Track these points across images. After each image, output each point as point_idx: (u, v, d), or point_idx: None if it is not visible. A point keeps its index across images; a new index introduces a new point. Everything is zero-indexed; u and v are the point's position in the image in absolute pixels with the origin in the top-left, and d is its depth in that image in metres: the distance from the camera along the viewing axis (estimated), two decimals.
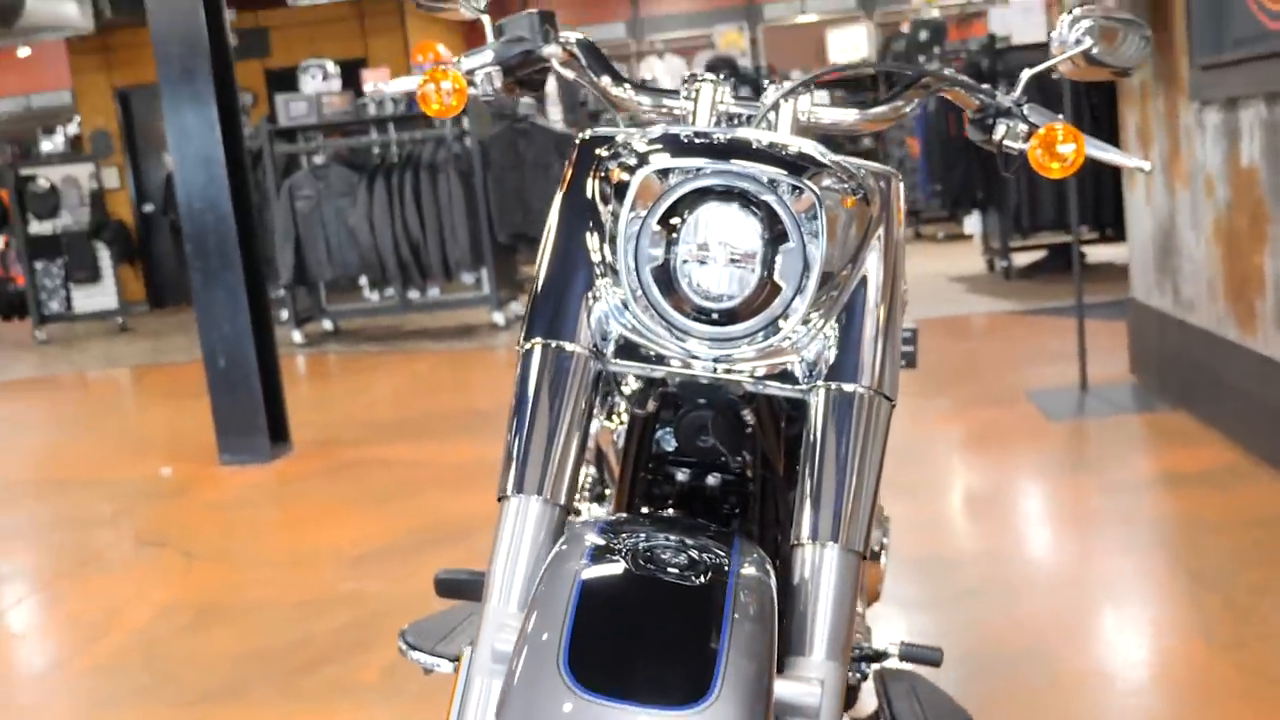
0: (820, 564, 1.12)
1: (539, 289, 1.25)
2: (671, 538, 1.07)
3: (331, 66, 7.77)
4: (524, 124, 7.39)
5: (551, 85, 11.80)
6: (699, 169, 1.14)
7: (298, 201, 7.38)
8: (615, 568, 1.02)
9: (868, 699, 1.91)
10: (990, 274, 8.00)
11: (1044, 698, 2.13)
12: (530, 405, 1.19)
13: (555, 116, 11.58)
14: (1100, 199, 7.09)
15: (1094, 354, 4.47)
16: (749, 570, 1.05)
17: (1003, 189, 7.36)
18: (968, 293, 7.29)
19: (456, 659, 1.65)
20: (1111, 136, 6.83)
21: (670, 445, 1.48)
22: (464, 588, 1.65)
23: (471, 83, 1.42)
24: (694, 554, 1.05)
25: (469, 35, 11.34)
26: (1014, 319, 6.25)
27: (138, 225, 11.35)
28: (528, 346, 1.21)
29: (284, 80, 10.34)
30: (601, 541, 1.06)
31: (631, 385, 1.63)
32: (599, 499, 1.85)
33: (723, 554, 1.06)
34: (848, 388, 1.18)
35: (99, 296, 9.87)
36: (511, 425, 1.19)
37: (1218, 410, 3.55)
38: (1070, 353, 4.56)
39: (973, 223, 8.19)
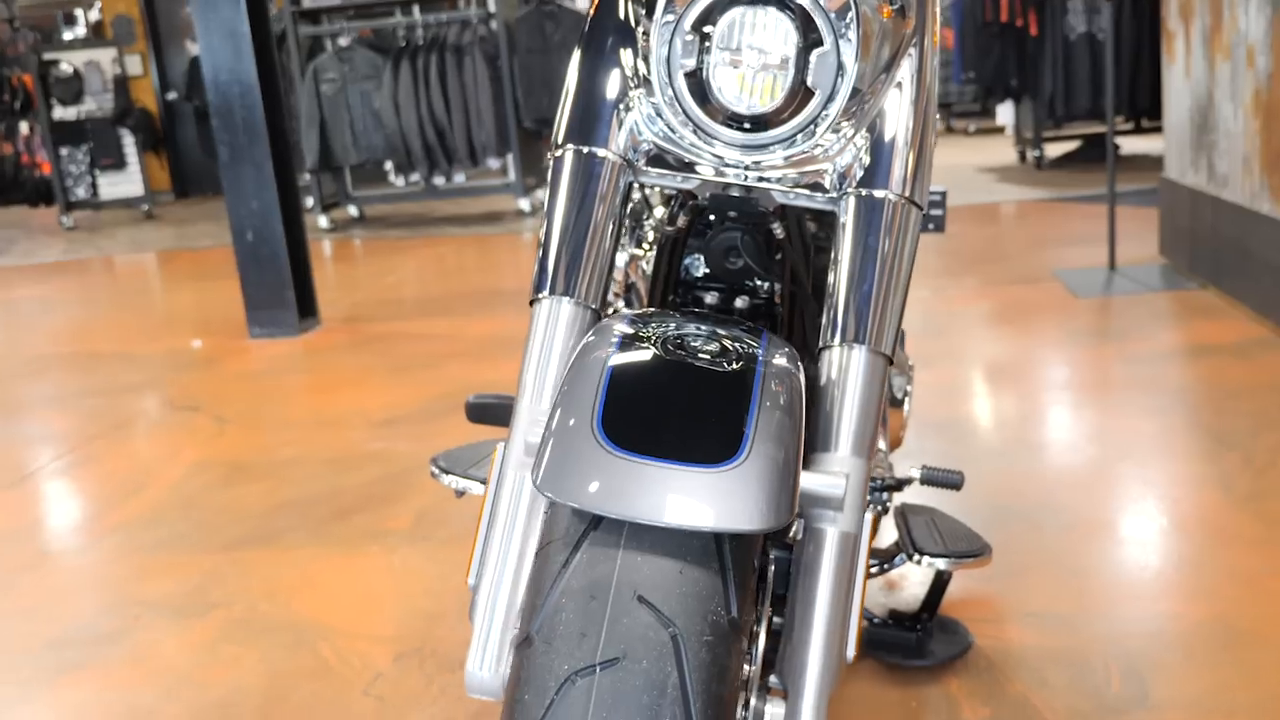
0: (848, 365, 1.13)
1: (569, 97, 1.24)
2: (703, 327, 1.08)
3: None
4: (551, 6, 7.27)
5: None
6: None
7: (322, 85, 7.33)
8: (645, 353, 1.02)
9: (888, 533, 1.96)
10: (1022, 165, 7.91)
11: (1061, 542, 2.17)
12: (562, 209, 1.19)
13: (580, 3, 11.40)
14: (1136, 87, 6.96)
15: (1124, 238, 4.45)
16: (779, 361, 1.05)
17: (1037, 76, 7.23)
18: (998, 182, 7.21)
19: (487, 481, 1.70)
20: (1153, 11, 6.69)
21: (699, 271, 1.49)
22: (495, 412, 1.69)
23: None
24: (725, 343, 1.06)
25: None
26: (1044, 206, 6.19)
27: (162, 113, 11.31)
28: (559, 153, 1.21)
29: None
30: (630, 330, 1.07)
31: (659, 210, 1.64)
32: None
33: (754, 345, 1.07)
34: (878, 194, 1.17)
35: (124, 184, 9.88)
36: (543, 230, 1.20)
37: (1247, 286, 3.52)
38: (1100, 236, 4.53)
39: (1005, 112, 8.07)
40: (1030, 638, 1.84)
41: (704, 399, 0.98)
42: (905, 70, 1.21)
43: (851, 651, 1.12)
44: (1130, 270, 4.27)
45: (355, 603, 2.19)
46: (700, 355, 1.03)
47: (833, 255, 1.19)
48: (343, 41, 7.42)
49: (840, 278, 1.16)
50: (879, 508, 1.73)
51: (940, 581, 1.80)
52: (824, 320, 1.17)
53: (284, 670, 1.95)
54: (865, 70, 1.14)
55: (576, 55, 1.27)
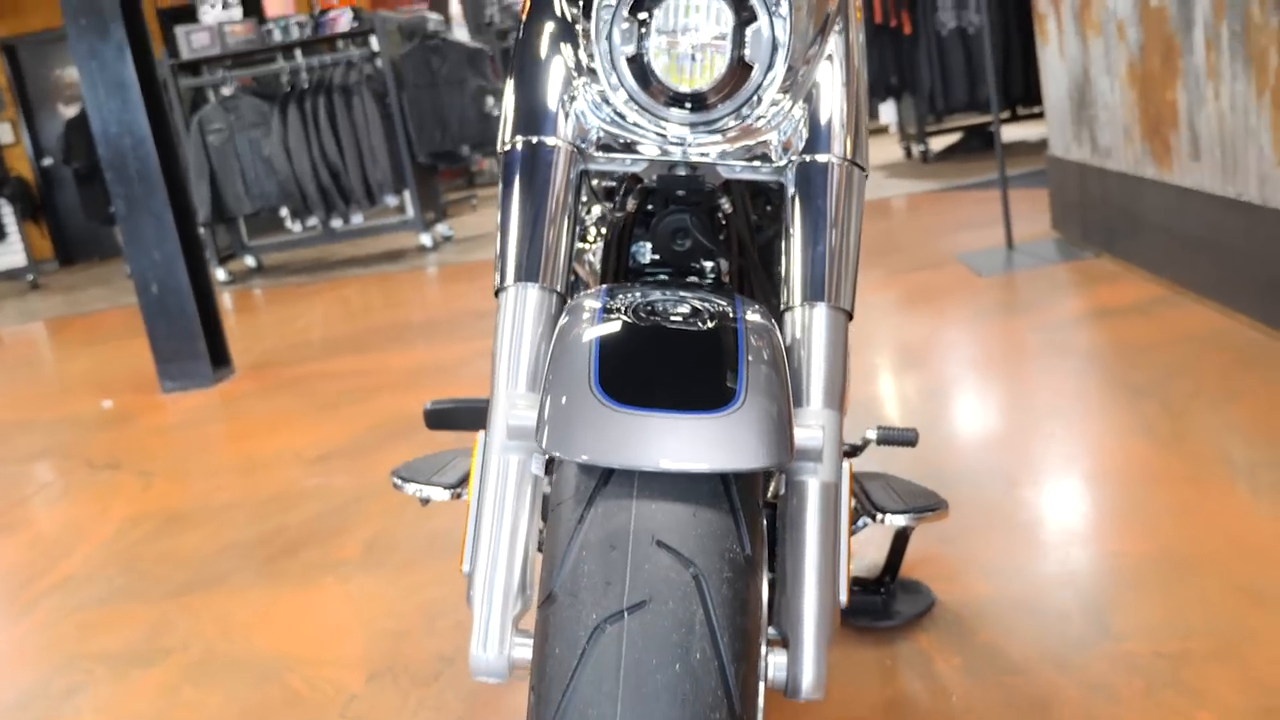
0: (811, 322, 1.17)
1: (514, 91, 1.26)
2: (669, 293, 1.11)
3: None
4: (435, 40, 7.29)
5: (455, 8, 11.60)
6: None
7: (209, 135, 7.22)
8: (624, 323, 1.05)
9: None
10: (908, 160, 8.13)
11: (1004, 499, 2.24)
12: (518, 200, 1.22)
13: (461, 36, 11.40)
14: (1008, 76, 7.22)
15: (1017, 219, 4.61)
16: (755, 317, 1.09)
17: (915, 73, 7.46)
18: (888, 178, 7.40)
19: (453, 486, 1.70)
20: (1011, 39, 6.97)
21: (646, 257, 1.52)
22: (454, 416, 1.69)
23: None
24: (696, 304, 1.09)
25: None
26: (936, 196, 6.37)
27: (38, 180, 11.00)
28: (508, 146, 1.24)
29: (173, 16, 10.02)
30: (603, 304, 1.09)
31: (597, 209, 1.67)
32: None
33: (724, 303, 1.10)
34: (821, 158, 1.22)
35: (6, 255, 9.61)
36: (501, 222, 1.22)
37: (1139, 249, 3.69)
38: (993, 219, 4.69)
39: (888, 111, 8.29)
40: (990, 590, 1.90)
41: (693, 355, 1.01)
42: (834, 42, 1.27)
43: (844, 596, 1.15)
44: (1027, 247, 4.43)
45: (317, 633, 2.17)
46: (674, 317, 1.06)
47: (784, 221, 1.23)
48: (226, 91, 7.32)
49: (795, 241, 1.20)
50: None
51: (900, 542, 1.86)
52: (784, 283, 1.21)
53: (254, 704, 1.92)
54: (797, 43, 1.19)
55: (516, 54, 1.30)
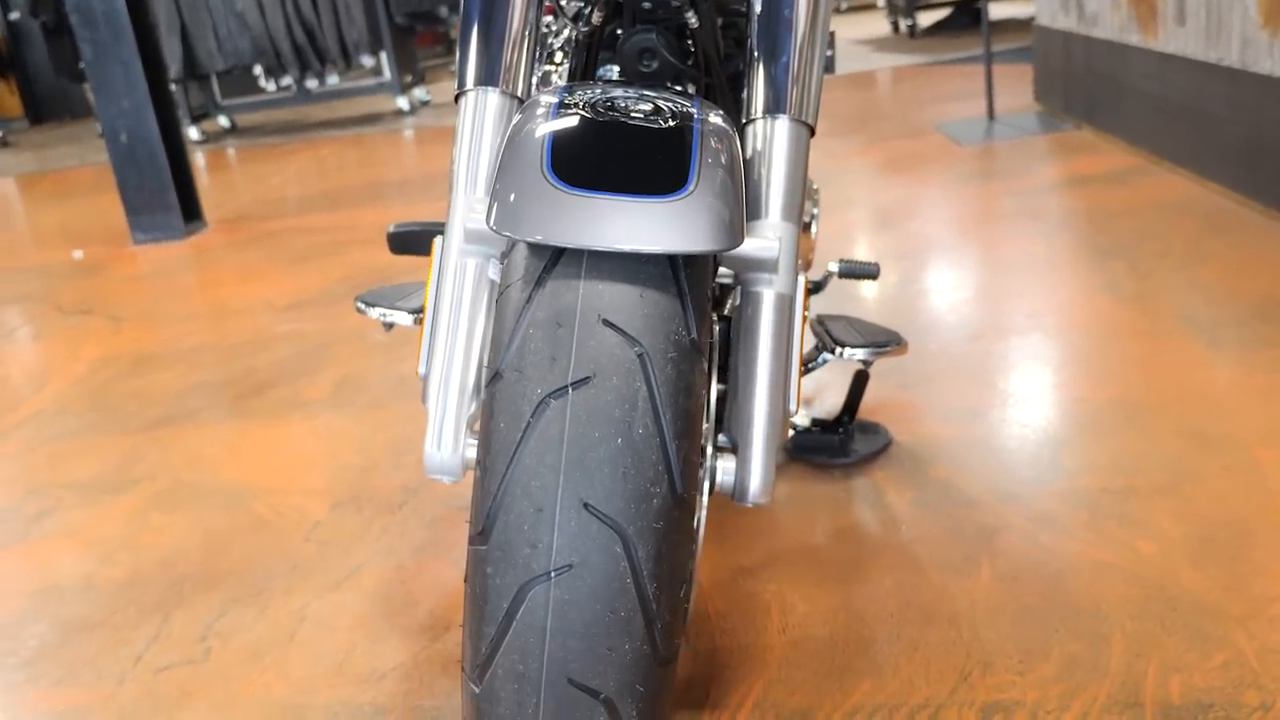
0: (773, 134, 1.17)
1: None
2: (632, 91, 1.10)
3: None
4: None
5: None
6: None
7: None
8: (580, 117, 1.03)
9: (808, 339, 2.02)
10: (895, 35, 7.99)
11: (969, 349, 2.27)
12: (481, 3, 1.20)
13: None
14: None
15: (1000, 93, 4.57)
16: (714, 119, 1.08)
17: None
18: (874, 52, 7.29)
19: (416, 311, 1.71)
20: None
21: (613, 78, 1.50)
22: (418, 239, 1.69)
23: None
24: (658, 104, 1.08)
25: None
26: (921, 69, 6.29)
27: (5, 36, 10.69)
28: None
29: None
30: (558, 100, 1.07)
31: (567, 30, 1.64)
32: None
33: (687, 105, 1.09)
34: None
35: None
36: (463, 26, 1.20)
37: (1121, 120, 3.66)
38: (976, 93, 4.64)
39: None
40: (947, 431, 1.94)
41: (647, 147, 1.00)
42: None
43: (794, 405, 1.17)
44: (1008, 118, 4.40)
45: (284, 465, 2.19)
46: (634, 114, 1.05)
47: (749, 36, 1.21)
48: None
49: (758, 52, 1.19)
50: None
51: (859, 382, 1.88)
52: (746, 95, 1.20)
53: (220, 528, 1.96)
54: None
55: None
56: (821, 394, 2.13)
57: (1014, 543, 1.57)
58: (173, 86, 7.23)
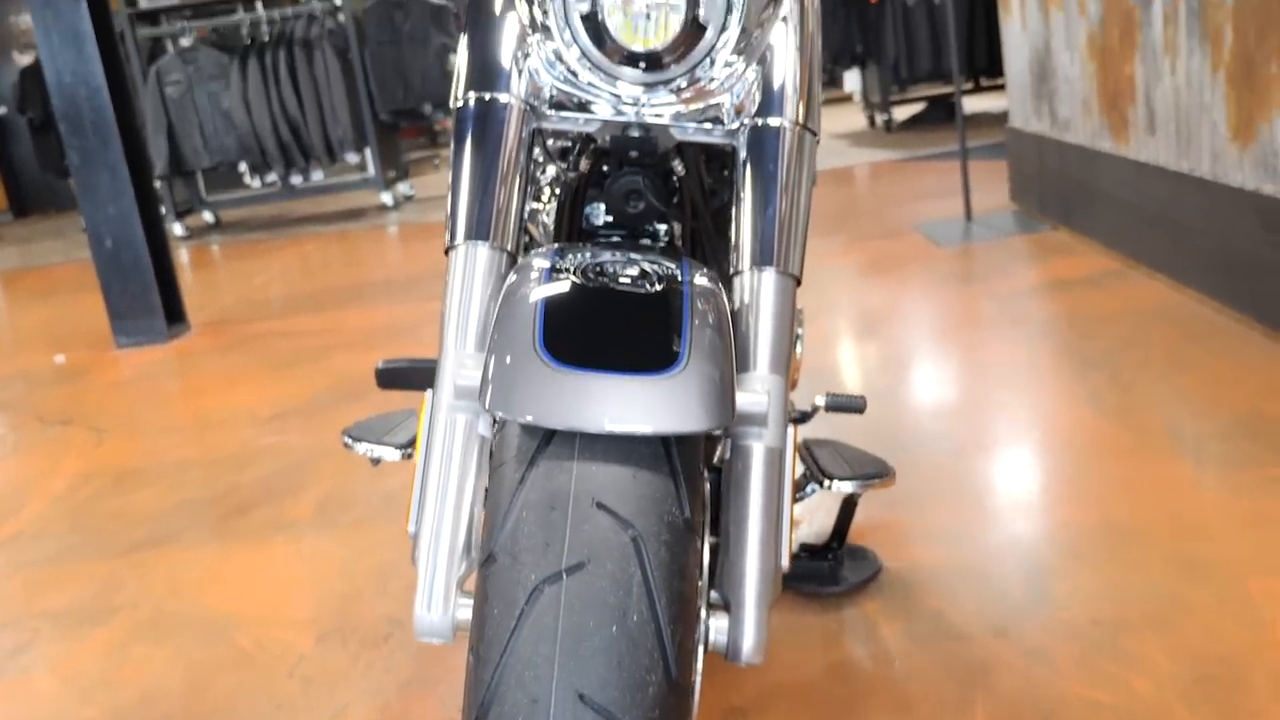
0: (759, 287, 1.18)
1: (468, 48, 1.25)
2: (619, 254, 1.11)
3: None
4: None
5: None
6: None
7: (167, 87, 7.10)
8: (571, 283, 1.04)
9: (796, 467, 2.02)
10: (872, 129, 8.14)
11: (954, 466, 2.27)
12: (470, 156, 1.21)
13: None
14: (973, 48, 7.23)
15: (976, 190, 4.64)
16: (702, 281, 1.09)
17: (880, 42, 7.45)
18: (851, 147, 7.41)
19: (403, 447, 1.70)
20: (975, 9, 6.96)
21: (600, 219, 1.51)
22: (406, 376, 1.69)
23: None
24: (645, 266, 1.09)
25: None
26: (898, 165, 6.39)
27: None
28: (462, 102, 1.23)
29: None
30: (551, 264, 1.09)
31: (552, 168, 1.66)
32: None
33: (673, 267, 1.10)
34: (773, 122, 1.22)
35: None
36: (453, 180, 1.22)
37: (1095, 223, 3.72)
38: (953, 190, 4.71)
39: (852, 79, 8.29)
40: (936, 557, 1.93)
41: (637, 316, 1.01)
42: (788, 3, 1.27)
43: (785, 561, 1.17)
44: (985, 219, 4.46)
45: (267, 592, 2.16)
46: (622, 279, 1.06)
47: (734, 185, 1.23)
48: (185, 42, 7.19)
49: (744, 205, 1.20)
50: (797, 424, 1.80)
51: (848, 509, 1.88)
52: (733, 247, 1.21)
53: (201, 662, 1.92)
54: (752, 4, 1.18)
55: (470, 8, 1.28)
56: (809, 515, 2.12)
57: (1007, 681, 1.56)
58: (158, 183, 7.29)
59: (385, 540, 2.31)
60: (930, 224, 4.53)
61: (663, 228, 1.49)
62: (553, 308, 0.99)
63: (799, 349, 2.23)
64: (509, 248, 1.21)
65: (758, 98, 1.24)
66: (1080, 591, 1.76)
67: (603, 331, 0.96)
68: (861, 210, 5.21)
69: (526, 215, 1.76)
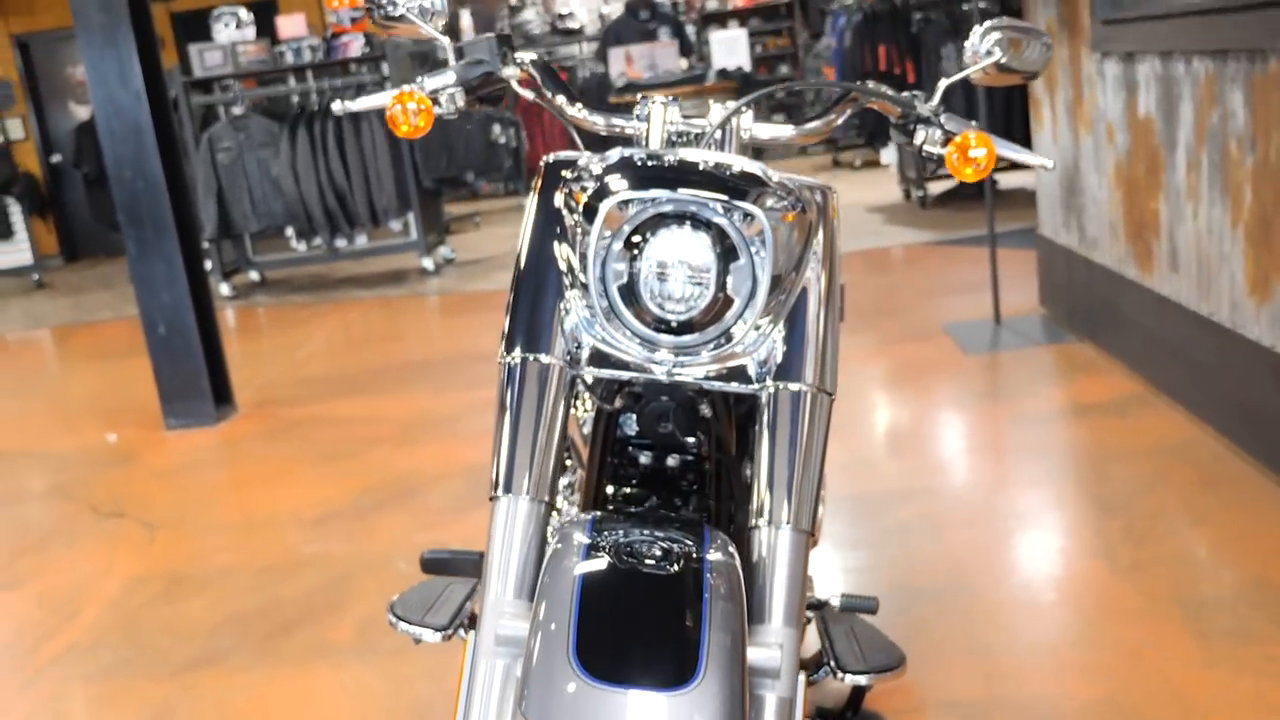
0: (775, 544, 1.29)
1: (515, 303, 1.38)
2: (645, 532, 1.23)
3: (245, 14, 7.65)
4: None
5: (467, 20, 11.70)
6: (655, 199, 1.28)
7: (218, 154, 7.32)
8: (604, 563, 1.17)
9: (811, 641, 2.12)
10: (907, 203, 8.23)
11: (966, 624, 2.36)
12: (514, 413, 1.33)
13: None
14: (1011, 126, 7.31)
15: (1006, 282, 4.72)
16: (716, 555, 1.21)
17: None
18: (886, 224, 7.51)
19: (442, 628, 1.82)
20: (1013, 91, 7.02)
21: (632, 430, 1.63)
22: (448, 566, 1.81)
23: (436, 102, 1.58)
24: (666, 545, 1.21)
25: None
26: (930, 250, 6.49)
27: (46, 176, 11.09)
28: (509, 360, 1.35)
29: (189, 25, 10.12)
30: (588, 540, 1.21)
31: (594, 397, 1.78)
32: (567, 486, 2.00)
33: (692, 543, 1.22)
34: (793, 387, 1.34)
35: (12, 253, 9.71)
36: (499, 431, 1.34)
37: (1120, 343, 3.80)
38: (985, 284, 4.79)
39: (889, 154, 8.40)
40: None
41: (661, 611, 1.13)
42: (812, 268, 1.39)
43: None
44: (1014, 322, 4.55)
45: None
46: (647, 561, 1.18)
47: (755, 441, 1.35)
48: (236, 110, 7.42)
49: (762, 464, 1.32)
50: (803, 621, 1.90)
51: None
52: (753, 502, 1.33)
53: None
54: (778, 273, 1.30)
55: (520, 254, 1.41)
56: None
57: None
58: (206, 244, 7.51)
59: (421, 673, 2.42)
60: (959, 326, 4.62)
61: (691, 445, 1.60)
62: (586, 605, 1.11)
63: (821, 508, 2.34)
64: (546, 498, 1.33)
65: (780, 358, 1.35)
66: None
67: (630, 635, 1.08)
68: (893, 306, 5.30)
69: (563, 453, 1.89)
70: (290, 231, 7.63)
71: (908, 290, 5.63)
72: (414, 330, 6.29)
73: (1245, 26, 2.65)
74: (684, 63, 8.20)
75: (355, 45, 7.34)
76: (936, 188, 8.33)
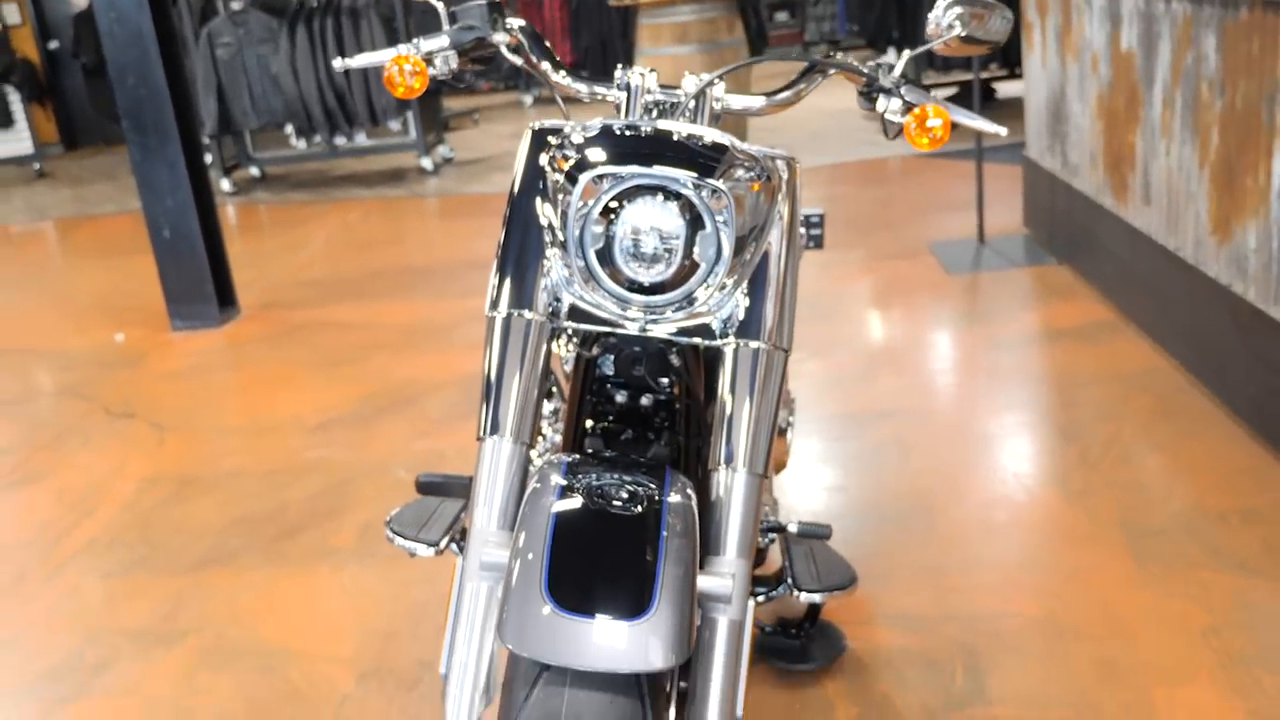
0: (732, 485, 1.45)
1: (502, 261, 1.52)
2: (614, 476, 1.39)
3: None
4: None
5: None
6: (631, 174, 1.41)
7: (218, 49, 7.33)
8: (576, 503, 1.33)
9: (774, 558, 2.30)
10: None
11: (923, 544, 2.54)
12: (499, 364, 1.49)
13: None
14: (1008, 47, 7.31)
15: (993, 200, 4.83)
16: (675, 498, 1.36)
17: (917, 28, 7.55)
18: (880, 133, 7.54)
19: (434, 544, 2.00)
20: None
21: (610, 370, 1.79)
22: (441, 488, 1.98)
23: (430, 63, 1.70)
24: (632, 488, 1.37)
25: None
26: (924, 163, 6.56)
27: (44, 62, 11.03)
28: (494, 315, 1.50)
29: None
30: (564, 482, 1.37)
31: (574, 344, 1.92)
32: (553, 412, 2.16)
33: (654, 486, 1.38)
34: (753, 344, 1.49)
35: (12, 141, 9.73)
36: (484, 382, 1.49)
37: (1095, 269, 3.93)
38: (974, 199, 4.89)
39: (891, 58, 8.39)
40: (895, 639, 2.22)
41: (623, 548, 1.29)
42: (774, 235, 1.53)
43: (740, 711, 1.46)
44: (997, 242, 4.67)
45: (315, 625, 2.48)
46: (614, 502, 1.34)
47: (717, 391, 1.50)
48: (235, 5, 7.40)
49: (722, 413, 1.47)
50: (764, 541, 2.08)
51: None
52: (711, 447, 1.48)
53: (260, 696, 2.25)
54: (741, 240, 1.44)
55: (507, 215, 1.55)
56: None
57: None
58: (206, 139, 7.56)
59: (419, 577, 2.61)
60: (944, 245, 4.74)
61: (662, 386, 1.75)
62: (560, 536, 1.28)
63: (789, 436, 2.51)
64: (527, 440, 1.49)
65: (741, 317, 1.50)
66: (1011, 688, 2.04)
67: (595, 570, 1.24)
68: (884, 221, 5.40)
69: (548, 353, 2.04)
70: (290, 129, 7.67)
71: (899, 205, 5.72)
72: (413, 233, 6.39)
73: None
74: None
75: None
76: (936, 95, 8.34)
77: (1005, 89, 8.17)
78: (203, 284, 4.65)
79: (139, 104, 4.45)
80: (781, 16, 12.76)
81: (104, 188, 8.70)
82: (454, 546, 1.92)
